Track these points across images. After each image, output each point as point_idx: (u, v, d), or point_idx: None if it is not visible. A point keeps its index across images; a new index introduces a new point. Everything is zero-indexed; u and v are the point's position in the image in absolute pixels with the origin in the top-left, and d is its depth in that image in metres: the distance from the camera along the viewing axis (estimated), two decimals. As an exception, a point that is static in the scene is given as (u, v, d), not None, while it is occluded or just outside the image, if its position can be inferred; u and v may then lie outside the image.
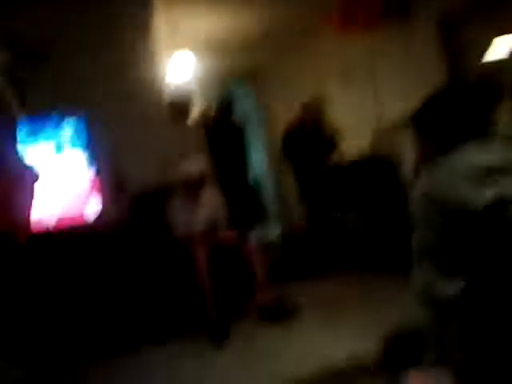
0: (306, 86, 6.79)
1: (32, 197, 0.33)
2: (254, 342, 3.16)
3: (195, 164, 3.62)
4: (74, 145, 3.67)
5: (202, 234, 3.52)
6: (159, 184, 3.93)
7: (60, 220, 3.59)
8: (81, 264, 3.44)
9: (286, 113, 6.36)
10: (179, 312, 3.46)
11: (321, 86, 6.58)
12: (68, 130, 3.64)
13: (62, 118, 3.64)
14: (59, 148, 3.62)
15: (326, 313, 3.45)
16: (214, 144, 4.45)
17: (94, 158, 3.74)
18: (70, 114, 3.66)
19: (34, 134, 3.51)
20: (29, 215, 0.34)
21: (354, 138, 5.97)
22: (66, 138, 3.64)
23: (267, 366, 2.77)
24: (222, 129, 4.82)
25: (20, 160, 0.34)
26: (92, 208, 3.72)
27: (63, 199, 3.63)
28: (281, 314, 3.38)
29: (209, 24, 5.65)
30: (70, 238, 3.52)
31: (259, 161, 7.49)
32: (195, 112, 4.59)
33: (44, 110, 3.65)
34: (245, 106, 7.50)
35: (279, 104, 6.98)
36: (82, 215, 3.69)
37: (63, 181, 3.63)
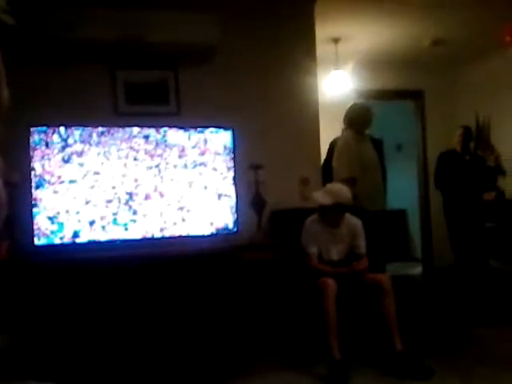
0: (472, 107, 6.39)
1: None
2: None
3: (332, 196, 3.45)
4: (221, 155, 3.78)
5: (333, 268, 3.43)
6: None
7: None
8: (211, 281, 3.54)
9: (444, 135, 6.03)
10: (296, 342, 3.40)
11: (491, 107, 6.16)
12: (217, 140, 3.76)
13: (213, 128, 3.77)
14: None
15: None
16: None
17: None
18: (221, 126, 3.79)
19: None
20: None
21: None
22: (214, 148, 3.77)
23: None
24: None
25: None
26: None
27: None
28: (417, 368, 3.04)
29: (370, 40, 5.53)
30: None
31: (409, 188, 7.12)
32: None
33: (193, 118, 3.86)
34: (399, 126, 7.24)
35: (438, 126, 6.61)
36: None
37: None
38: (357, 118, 4.36)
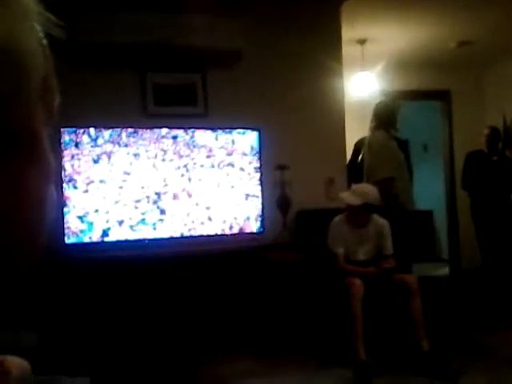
0: (498, 107, 6.32)
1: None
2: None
3: (361, 196, 3.45)
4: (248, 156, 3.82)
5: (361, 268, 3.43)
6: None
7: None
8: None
9: (471, 135, 5.97)
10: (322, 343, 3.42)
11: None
12: (244, 141, 3.80)
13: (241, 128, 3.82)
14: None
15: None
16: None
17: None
18: (247, 127, 3.83)
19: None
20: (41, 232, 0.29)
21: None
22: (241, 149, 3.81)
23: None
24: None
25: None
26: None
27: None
28: (444, 369, 3.03)
29: (396, 41, 5.52)
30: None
31: (435, 189, 7.06)
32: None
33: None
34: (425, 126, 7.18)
35: (465, 126, 6.54)
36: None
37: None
38: (387, 117, 4.36)
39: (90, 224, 3.44)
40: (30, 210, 0.33)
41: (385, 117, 4.36)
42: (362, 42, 5.45)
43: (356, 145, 4.78)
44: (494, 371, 3.10)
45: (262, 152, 3.82)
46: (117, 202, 3.49)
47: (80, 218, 3.42)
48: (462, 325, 3.92)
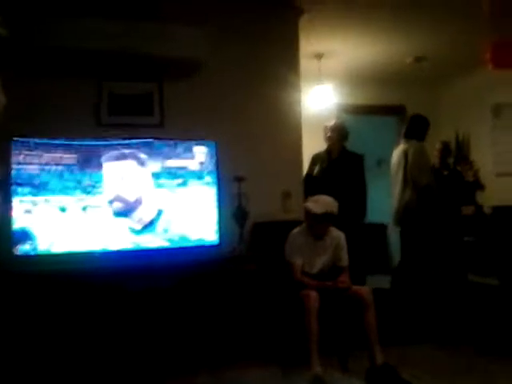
0: (452, 122, 6.52)
1: None
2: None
3: (323, 206, 3.50)
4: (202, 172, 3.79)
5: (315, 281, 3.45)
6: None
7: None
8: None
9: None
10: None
11: (470, 123, 6.29)
12: (200, 152, 3.77)
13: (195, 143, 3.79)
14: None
15: None
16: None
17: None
18: (204, 138, 3.82)
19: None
20: None
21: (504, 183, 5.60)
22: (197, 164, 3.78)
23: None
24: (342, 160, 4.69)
25: None
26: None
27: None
28: (394, 381, 3.08)
29: (353, 56, 5.62)
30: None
31: (389, 203, 7.17)
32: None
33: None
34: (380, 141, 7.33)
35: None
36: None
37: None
38: (421, 127, 4.92)
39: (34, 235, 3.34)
40: None
41: (419, 127, 4.89)
42: (319, 56, 5.52)
43: (313, 158, 4.82)
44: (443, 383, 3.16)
45: (219, 164, 3.80)
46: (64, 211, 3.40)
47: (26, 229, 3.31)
48: (413, 336, 3.99)
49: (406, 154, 4.77)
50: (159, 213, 3.63)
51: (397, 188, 4.86)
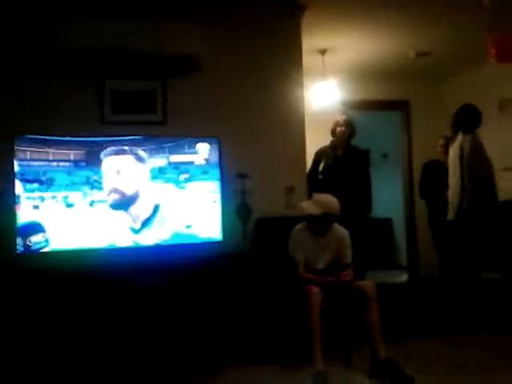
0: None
1: None
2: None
3: (322, 207, 3.49)
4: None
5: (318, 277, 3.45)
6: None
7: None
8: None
9: (430, 145, 6.11)
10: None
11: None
12: (204, 149, 3.78)
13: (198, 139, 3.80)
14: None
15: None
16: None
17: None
18: (207, 135, 3.83)
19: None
20: None
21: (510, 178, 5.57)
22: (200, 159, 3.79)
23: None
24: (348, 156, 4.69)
25: None
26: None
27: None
28: (397, 376, 3.05)
29: (357, 52, 5.61)
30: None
31: (394, 197, 7.20)
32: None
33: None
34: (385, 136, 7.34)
35: (423, 136, 6.67)
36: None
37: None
38: (475, 120, 4.71)
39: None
40: None
41: (472, 120, 4.69)
42: (322, 52, 5.52)
43: (317, 153, 4.82)
44: (446, 378, 3.17)
45: (222, 161, 3.81)
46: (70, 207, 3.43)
47: (32, 225, 3.35)
48: (417, 331, 4.00)
49: (461, 147, 4.62)
50: (156, 209, 3.64)
51: (454, 181, 4.71)
